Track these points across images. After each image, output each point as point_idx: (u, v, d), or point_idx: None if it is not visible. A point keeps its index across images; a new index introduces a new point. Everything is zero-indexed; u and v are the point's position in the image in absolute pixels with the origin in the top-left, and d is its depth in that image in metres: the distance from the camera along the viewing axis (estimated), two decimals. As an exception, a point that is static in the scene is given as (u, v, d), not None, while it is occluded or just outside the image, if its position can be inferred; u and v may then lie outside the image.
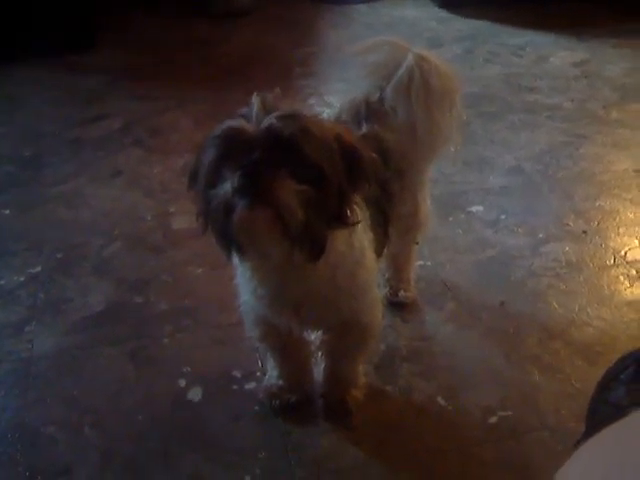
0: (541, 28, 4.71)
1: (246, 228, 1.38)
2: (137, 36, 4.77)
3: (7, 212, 2.91)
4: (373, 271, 1.77)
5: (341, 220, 1.47)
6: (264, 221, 1.36)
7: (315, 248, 1.44)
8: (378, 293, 1.86)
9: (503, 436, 1.89)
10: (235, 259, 1.56)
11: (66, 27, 4.36)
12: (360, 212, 1.54)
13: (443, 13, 5.06)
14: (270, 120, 1.36)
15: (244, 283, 1.71)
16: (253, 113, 1.39)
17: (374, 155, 1.52)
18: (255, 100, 1.41)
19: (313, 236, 1.42)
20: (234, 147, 1.38)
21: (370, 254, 1.71)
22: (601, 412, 1.46)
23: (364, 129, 1.86)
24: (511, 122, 3.53)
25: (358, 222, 1.53)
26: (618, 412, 1.41)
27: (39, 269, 2.55)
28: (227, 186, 1.36)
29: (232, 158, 1.37)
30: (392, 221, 1.86)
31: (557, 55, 4.33)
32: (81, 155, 3.33)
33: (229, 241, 1.44)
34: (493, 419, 1.94)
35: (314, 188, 1.38)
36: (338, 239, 1.53)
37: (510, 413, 1.95)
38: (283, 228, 1.36)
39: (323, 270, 1.53)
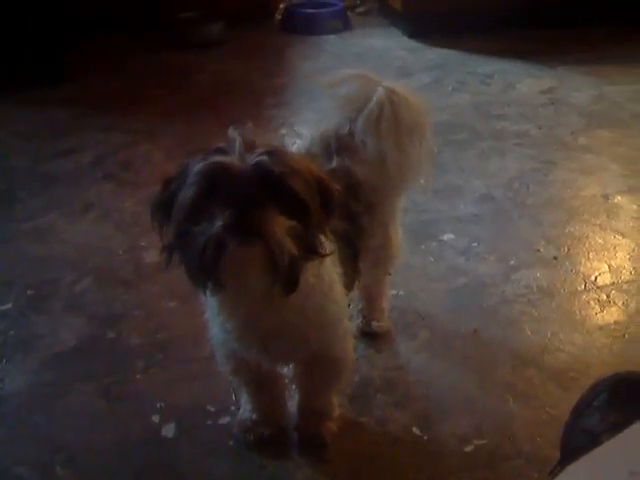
0: (508, 56, 4.78)
1: (236, 265, 1.38)
2: (106, 68, 4.78)
3: (-23, 248, 2.88)
4: (343, 304, 1.77)
5: (315, 251, 1.47)
6: (255, 257, 1.36)
7: (291, 281, 1.44)
8: (349, 325, 1.86)
9: (479, 465, 1.89)
10: (204, 293, 1.54)
11: (34, 61, 4.35)
12: (329, 245, 1.55)
13: (412, 43, 5.12)
14: (259, 157, 1.36)
15: (213, 317, 1.70)
16: (236, 148, 1.38)
17: (339, 188, 1.52)
18: (235, 135, 1.40)
19: (293, 269, 1.42)
20: (221, 183, 1.36)
21: (339, 288, 1.71)
22: (575, 439, 1.47)
23: (334, 163, 1.86)
24: (480, 149, 3.57)
25: (330, 253, 1.53)
26: (592, 439, 1.42)
27: (9, 306, 2.53)
28: (217, 223, 1.34)
29: (219, 194, 1.35)
30: (362, 254, 1.86)
31: (524, 82, 4.40)
32: (52, 189, 3.31)
33: (208, 276, 1.43)
34: (469, 448, 1.94)
35: (299, 222, 1.38)
36: (308, 270, 1.53)
37: (485, 441, 1.95)
38: (272, 263, 1.36)
39: (292, 302, 1.52)
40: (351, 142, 1.93)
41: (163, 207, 1.46)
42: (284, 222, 1.36)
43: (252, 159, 1.36)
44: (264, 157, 1.36)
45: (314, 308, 1.62)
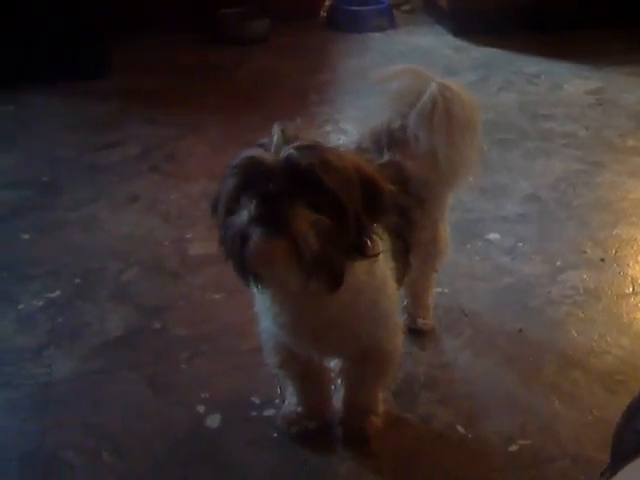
0: (555, 56, 4.72)
1: (261, 257, 1.39)
2: (151, 62, 4.81)
3: (26, 237, 2.92)
4: (395, 299, 1.78)
5: (361, 251, 1.48)
6: (279, 250, 1.37)
7: (332, 278, 1.45)
8: (400, 320, 1.86)
9: (524, 465, 1.88)
10: (253, 287, 1.56)
11: (80, 53, 4.41)
12: (381, 243, 1.55)
13: (458, 41, 5.08)
14: (288, 150, 1.38)
15: (264, 310, 1.71)
16: (273, 143, 1.40)
17: (392, 187, 1.52)
18: (276, 130, 1.42)
19: (330, 266, 1.42)
20: (252, 176, 1.39)
21: (392, 282, 1.72)
22: (628, 441, 1.45)
23: (385, 157, 1.87)
24: (527, 149, 3.54)
25: (378, 254, 1.53)
26: (646, 441, 1.41)
27: (57, 293, 2.56)
28: (244, 215, 1.37)
29: (250, 187, 1.39)
30: (413, 249, 1.86)
31: (572, 83, 4.34)
32: (98, 180, 3.35)
33: (246, 269, 1.45)
34: (513, 447, 1.93)
35: (331, 218, 1.38)
36: (359, 268, 1.54)
37: (530, 441, 1.94)
38: (298, 257, 1.37)
39: (344, 298, 1.53)
40: (402, 137, 1.93)
41: (216, 202, 1.50)
42: (309, 215, 1.36)
43: (284, 153, 1.37)
44: (293, 151, 1.37)
45: (366, 304, 1.63)
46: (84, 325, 2.41)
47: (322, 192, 1.38)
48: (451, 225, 2.28)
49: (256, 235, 1.36)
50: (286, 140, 1.40)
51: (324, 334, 1.65)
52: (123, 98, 4.26)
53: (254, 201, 1.36)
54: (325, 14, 5.64)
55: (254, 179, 1.39)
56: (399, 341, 1.82)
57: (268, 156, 1.39)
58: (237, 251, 1.40)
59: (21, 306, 2.50)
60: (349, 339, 1.69)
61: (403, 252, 1.79)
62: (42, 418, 2.05)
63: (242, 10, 5.20)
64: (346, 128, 3.67)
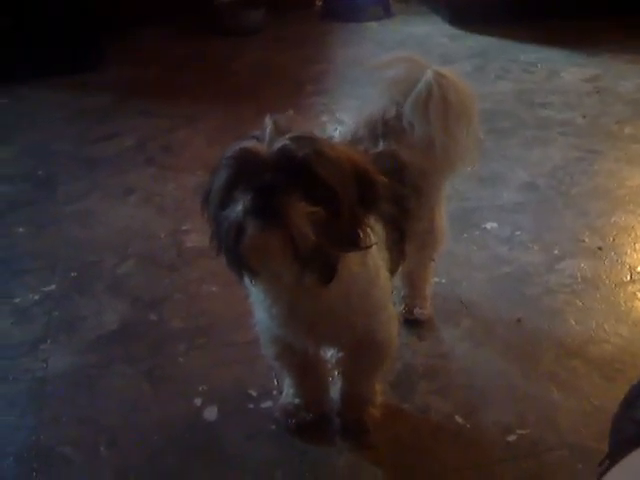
0: (552, 44, 4.71)
1: (257, 250, 1.38)
2: (146, 53, 4.81)
3: (22, 230, 2.91)
4: (387, 289, 1.76)
5: (354, 243, 1.46)
6: (275, 243, 1.35)
7: (326, 271, 1.44)
8: (394, 310, 1.85)
9: (522, 454, 1.87)
10: (247, 281, 1.55)
11: (74, 46, 4.40)
12: (374, 233, 1.54)
13: (453, 30, 5.07)
14: (283, 142, 1.36)
15: (258, 302, 1.70)
16: (266, 135, 1.39)
17: (385, 179, 1.51)
18: (268, 122, 1.41)
19: (324, 258, 1.41)
20: (246, 168, 1.38)
21: (384, 273, 1.71)
22: (626, 430, 1.45)
23: (381, 146, 1.86)
24: (524, 138, 3.53)
25: (370, 246, 1.52)
26: (644, 430, 1.40)
27: (53, 287, 2.55)
28: (238, 207, 1.36)
29: (244, 179, 1.37)
30: (409, 238, 1.85)
31: (568, 71, 4.33)
32: (94, 173, 3.34)
33: (240, 263, 1.44)
34: (512, 437, 1.92)
35: (326, 210, 1.37)
36: (352, 259, 1.53)
37: (529, 431, 1.94)
38: (294, 250, 1.36)
39: (337, 289, 1.52)
40: (398, 125, 1.92)
41: (207, 195, 1.48)
42: (304, 207, 1.34)
43: (277, 144, 1.36)
44: (288, 142, 1.36)
45: (359, 294, 1.62)
46: (80, 319, 2.40)
47: (317, 184, 1.37)
48: (448, 214, 2.27)
49: (252, 227, 1.34)
50: (279, 132, 1.39)
51: (317, 325, 1.64)
52: (118, 90, 4.25)
53: (249, 193, 1.35)
54: (321, 4, 5.62)
55: (248, 171, 1.37)
56: (394, 331, 1.81)
57: (262, 148, 1.37)
58: (232, 244, 1.38)
59: (17, 300, 2.49)
60: (343, 330, 1.68)
61: (398, 242, 1.78)
62: (39, 413, 2.05)
63: (238, 0, 5.17)
64: (342, 118, 3.66)
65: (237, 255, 1.41)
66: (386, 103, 1.98)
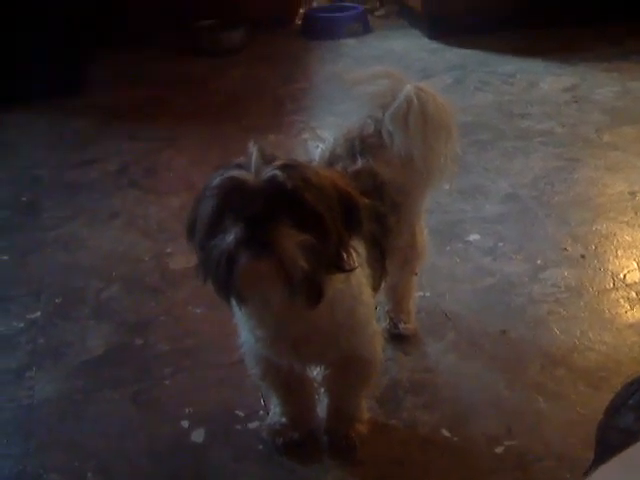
0: (529, 55, 4.75)
1: (249, 278, 1.39)
2: (127, 75, 4.81)
3: (5, 258, 2.91)
4: (371, 306, 1.78)
5: (339, 265, 1.48)
6: (267, 271, 1.37)
7: (314, 293, 1.45)
8: (377, 327, 1.86)
9: (510, 466, 1.88)
10: (233, 304, 1.55)
11: (55, 69, 4.38)
12: (357, 256, 1.55)
13: (433, 44, 5.10)
14: (272, 171, 1.37)
15: (243, 324, 1.71)
16: (252, 163, 1.40)
17: (367, 200, 1.53)
18: (253, 149, 1.42)
19: (313, 283, 1.42)
20: (234, 198, 1.38)
21: (367, 289, 1.71)
22: (611, 438, 1.45)
23: (359, 164, 1.86)
24: (504, 149, 3.55)
25: (355, 267, 1.53)
26: (628, 438, 1.40)
27: (38, 314, 2.54)
28: (230, 237, 1.36)
29: (233, 209, 1.38)
30: (389, 254, 1.86)
31: (546, 81, 4.36)
32: (77, 198, 3.34)
33: (230, 291, 1.44)
34: (499, 449, 1.93)
35: (315, 237, 1.38)
36: (336, 278, 1.54)
37: (516, 442, 1.94)
38: (285, 277, 1.37)
39: (321, 308, 1.52)
40: (376, 142, 1.93)
41: (192, 225, 1.49)
42: (296, 236, 1.36)
43: (266, 173, 1.37)
44: (277, 171, 1.37)
45: (343, 312, 1.63)
46: (66, 345, 2.39)
47: (305, 211, 1.38)
48: (430, 228, 2.29)
49: (245, 257, 1.36)
50: (264, 159, 1.40)
51: (303, 344, 1.65)
52: (101, 114, 4.25)
53: (240, 223, 1.35)
54: (300, 22, 5.64)
55: (236, 200, 1.38)
56: (378, 347, 1.81)
57: (249, 177, 1.38)
58: (223, 273, 1.39)
59: (1, 328, 2.48)
60: (328, 348, 1.69)
61: (379, 258, 1.78)
62: (25, 441, 2.04)
63: (217, 21, 5.19)
64: (323, 135, 3.66)
65: (228, 283, 1.41)
66: (364, 119, 1.99)
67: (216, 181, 1.41)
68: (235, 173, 1.40)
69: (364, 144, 1.93)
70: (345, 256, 1.48)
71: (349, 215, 1.47)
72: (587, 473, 1.43)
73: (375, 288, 1.80)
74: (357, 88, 2.08)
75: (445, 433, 1.99)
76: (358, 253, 1.56)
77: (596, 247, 2.74)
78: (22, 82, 4.30)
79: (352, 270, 1.52)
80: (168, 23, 5.20)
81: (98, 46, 4.93)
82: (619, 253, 2.70)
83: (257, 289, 1.44)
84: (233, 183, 1.39)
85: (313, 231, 1.39)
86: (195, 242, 1.48)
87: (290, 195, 1.37)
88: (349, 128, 2.01)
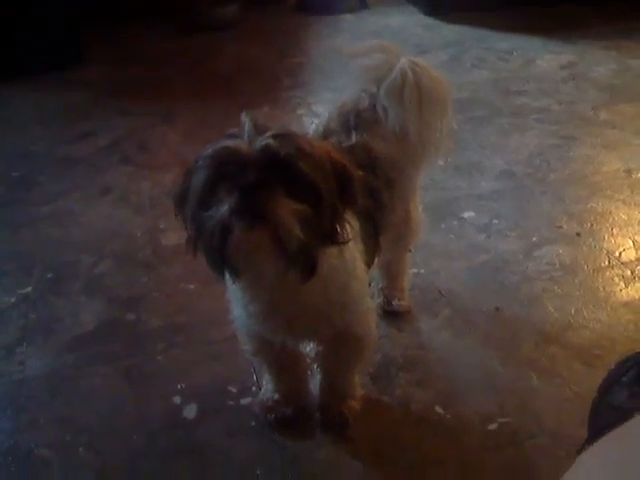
0: (527, 32, 4.71)
1: (244, 249, 1.37)
2: (121, 51, 4.76)
3: (-3, 233, 2.89)
4: (365, 281, 1.76)
5: (333, 238, 1.46)
6: (263, 241, 1.35)
7: (308, 267, 1.43)
8: (371, 303, 1.85)
9: (503, 443, 1.87)
10: (226, 278, 1.54)
11: (51, 44, 4.34)
12: (351, 228, 1.53)
13: (429, 20, 5.06)
14: (266, 140, 1.35)
15: (236, 299, 1.69)
16: (245, 133, 1.38)
17: (361, 173, 1.51)
18: (246, 119, 1.40)
19: (307, 255, 1.41)
20: (229, 167, 1.36)
21: (361, 265, 1.70)
22: (604, 415, 1.45)
23: (353, 138, 1.85)
24: (500, 126, 3.53)
25: (349, 240, 1.51)
26: (621, 415, 1.40)
27: (29, 289, 2.53)
28: (224, 207, 1.34)
29: (227, 178, 1.36)
30: (383, 230, 1.85)
31: (544, 58, 4.33)
32: (70, 173, 3.31)
33: (223, 263, 1.43)
34: (492, 426, 1.92)
35: (309, 207, 1.37)
36: (330, 253, 1.52)
37: (509, 419, 1.94)
38: (281, 248, 1.35)
39: (315, 283, 1.51)
40: (370, 117, 1.91)
41: (183, 197, 1.46)
42: (291, 205, 1.34)
43: (259, 142, 1.35)
44: (271, 140, 1.35)
45: (337, 287, 1.62)
46: (57, 320, 2.38)
47: (300, 181, 1.36)
48: (425, 204, 2.27)
49: (239, 227, 1.34)
50: (258, 130, 1.38)
51: (296, 320, 1.63)
52: (94, 88, 4.22)
53: (234, 192, 1.33)
54: (295, -3, 5.59)
55: (230, 170, 1.36)
56: (372, 323, 1.80)
57: (243, 145, 1.36)
58: (217, 244, 1.37)
59: (-7, 303, 2.47)
60: (321, 324, 1.68)
61: (372, 234, 1.77)
62: (16, 416, 2.03)
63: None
64: (319, 110, 3.64)
65: (222, 255, 1.40)
66: (358, 93, 1.97)
67: (209, 151, 1.39)
68: (228, 143, 1.38)
69: (359, 118, 1.91)
70: (339, 229, 1.47)
71: (343, 187, 1.45)
72: (580, 450, 1.43)
73: (368, 264, 1.79)
74: (353, 61, 2.05)
75: (438, 410, 1.98)
76: (352, 226, 1.54)
77: (591, 225, 2.73)
78: (20, 56, 4.25)
79: (346, 243, 1.51)
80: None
81: (93, 22, 4.87)
82: (614, 231, 2.69)
83: (252, 260, 1.42)
84: (226, 152, 1.37)
85: (308, 201, 1.37)
86: (186, 214, 1.46)
87: (284, 164, 1.35)
88: (343, 102, 1.99)
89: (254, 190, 1.33)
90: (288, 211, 1.34)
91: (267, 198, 1.33)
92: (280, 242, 1.34)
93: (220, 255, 1.40)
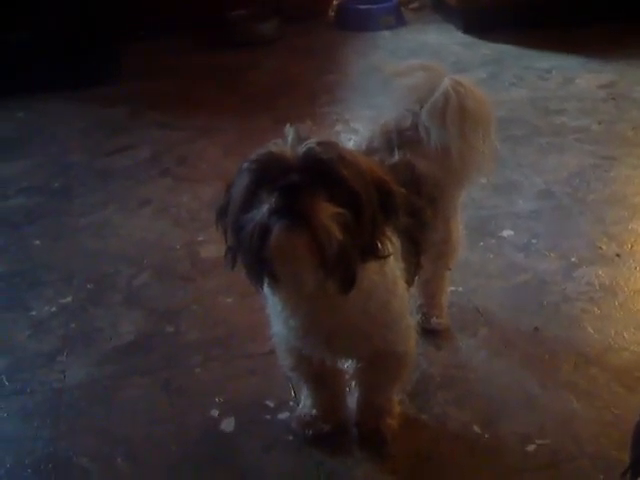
0: (566, 51, 4.68)
1: (283, 250, 1.38)
2: (162, 66, 4.80)
3: (38, 243, 2.92)
4: (405, 300, 1.76)
5: (373, 251, 1.47)
6: (301, 243, 1.36)
7: (347, 278, 1.44)
8: (411, 321, 1.84)
9: (542, 465, 1.86)
10: (266, 290, 1.55)
11: (91, 59, 4.41)
12: (392, 245, 1.54)
13: (467, 38, 5.05)
14: (309, 145, 1.38)
15: (276, 314, 1.70)
16: (289, 141, 1.41)
17: (403, 190, 1.52)
18: (289, 129, 1.43)
19: (346, 265, 1.41)
20: (272, 171, 1.39)
21: (401, 283, 1.70)
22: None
23: (396, 156, 1.85)
24: (539, 145, 3.51)
25: (389, 255, 1.52)
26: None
27: (70, 299, 2.56)
28: (264, 208, 1.36)
29: (269, 181, 1.38)
30: (424, 249, 1.85)
31: (584, 77, 4.30)
32: (110, 185, 3.35)
33: (262, 269, 1.43)
34: (531, 447, 1.90)
35: (350, 213, 1.38)
36: (370, 268, 1.53)
37: (548, 441, 1.92)
38: (320, 253, 1.36)
39: (356, 300, 1.52)
40: (413, 136, 1.92)
41: (224, 207, 1.49)
42: (330, 208, 1.35)
43: (303, 147, 1.38)
44: (314, 145, 1.38)
45: (377, 305, 1.62)
46: (97, 330, 2.40)
47: (341, 187, 1.38)
48: (464, 223, 2.27)
49: (278, 227, 1.35)
50: (300, 139, 1.41)
51: (335, 337, 1.64)
52: (134, 102, 4.26)
53: (275, 193, 1.35)
54: (333, 13, 5.62)
55: (272, 173, 1.38)
56: (412, 343, 1.80)
57: (287, 150, 1.40)
58: (256, 246, 1.38)
59: (33, 312, 2.50)
60: (361, 342, 1.68)
61: (414, 253, 1.77)
62: (56, 424, 2.05)
63: (251, 12, 5.19)
64: (356, 127, 3.65)
65: (260, 258, 1.40)
66: (401, 112, 1.98)
67: (254, 155, 1.43)
68: (272, 148, 1.41)
69: (401, 137, 1.92)
70: (379, 243, 1.47)
71: (384, 200, 1.47)
72: (624, 474, 1.41)
73: (409, 282, 1.79)
74: (395, 80, 2.06)
75: (476, 429, 1.97)
76: (393, 243, 1.54)
77: (632, 246, 2.70)
78: (59, 71, 4.31)
79: (386, 257, 1.51)
80: (201, 13, 5.19)
81: (133, 36, 4.94)
82: (655, 253, 2.66)
83: (290, 263, 1.41)
84: (270, 157, 1.40)
85: (348, 207, 1.38)
86: (227, 223, 1.48)
87: (326, 169, 1.37)
88: (386, 121, 2.00)
89: (295, 191, 1.35)
90: (328, 213, 1.35)
91: (307, 199, 1.35)
92: (319, 247, 1.35)
93: (258, 258, 1.40)
